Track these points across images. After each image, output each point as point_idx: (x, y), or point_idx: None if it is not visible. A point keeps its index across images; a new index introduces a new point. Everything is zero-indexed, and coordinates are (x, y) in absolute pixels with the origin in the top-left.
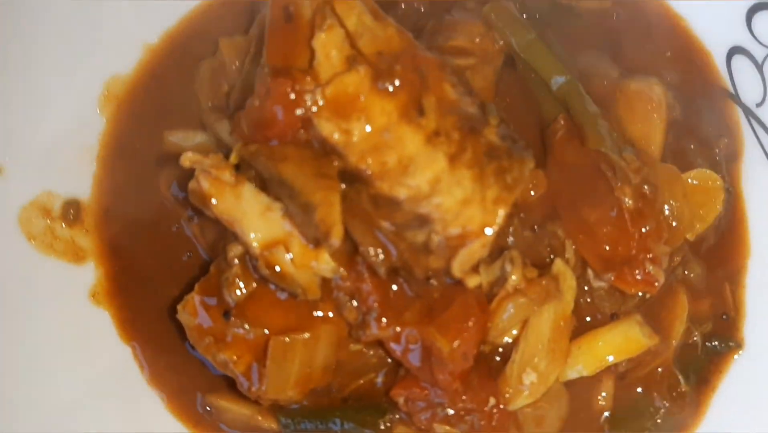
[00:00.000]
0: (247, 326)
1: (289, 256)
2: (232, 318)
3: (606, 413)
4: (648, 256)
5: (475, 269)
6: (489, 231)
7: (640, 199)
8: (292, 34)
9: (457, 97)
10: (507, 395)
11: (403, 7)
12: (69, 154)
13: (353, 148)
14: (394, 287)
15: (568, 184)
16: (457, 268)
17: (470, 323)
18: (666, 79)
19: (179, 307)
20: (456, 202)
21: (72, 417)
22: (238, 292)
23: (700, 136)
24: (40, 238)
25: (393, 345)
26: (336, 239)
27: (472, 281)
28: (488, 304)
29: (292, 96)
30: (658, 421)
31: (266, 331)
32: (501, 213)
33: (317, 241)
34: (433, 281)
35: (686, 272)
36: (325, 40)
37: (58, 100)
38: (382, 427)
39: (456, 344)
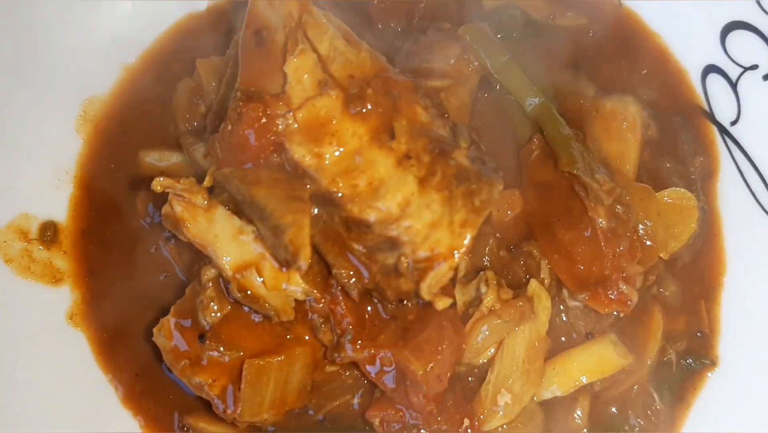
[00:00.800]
0: (222, 349)
1: (260, 279)
2: (207, 341)
3: (583, 432)
4: (622, 275)
5: (445, 291)
6: (456, 254)
7: (613, 219)
8: (264, 58)
9: (428, 119)
10: (481, 416)
11: (380, 26)
12: (46, 175)
13: (325, 171)
14: (369, 309)
15: (543, 204)
16: (426, 290)
17: (444, 346)
18: (642, 97)
19: (155, 330)
20: (425, 225)
21: None
22: (212, 315)
23: (676, 155)
24: (17, 260)
25: (368, 367)
26: (304, 261)
27: (440, 303)
28: (463, 325)
29: (264, 120)
30: None
31: (241, 353)
32: (468, 236)
33: (287, 263)
34: (407, 303)
35: (661, 290)
36: (297, 65)
37: (35, 121)
38: None
39: (430, 366)
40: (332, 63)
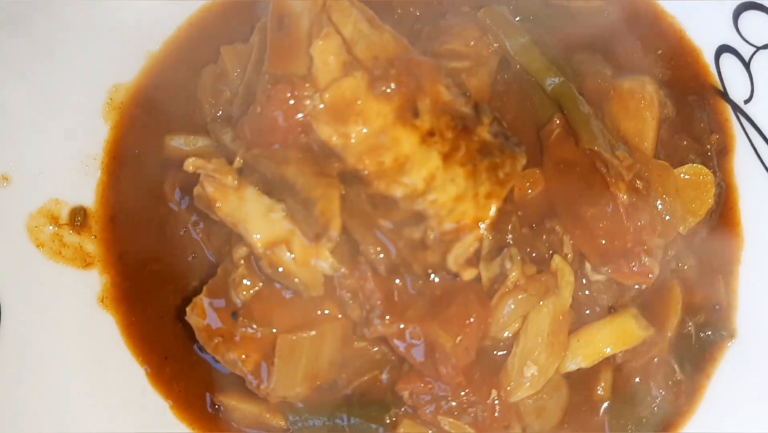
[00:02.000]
0: (254, 326)
1: (290, 255)
2: (240, 318)
3: (605, 403)
4: (643, 248)
5: (471, 263)
6: (482, 225)
7: (633, 194)
8: (290, 42)
9: (450, 98)
10: (508, 388)
11: (399, 11)
12: (75, 162)
13: (351, 150)
14: (397, 284)
15: (565, 182)
16: (453, 262)
17: (472, 319)
18: (658, 76)
19: (188, 309)
20: (450, 199)
21: (79, 420)
22: (244, 292)
23: (692, 133)
24: (48, 245)
25: (396, 341)
26: (334, 231)
27: (467, 274)
28: (489, 300)
29: (292, 102)
30: (655, 409)
31: (273, 330)
32: (493, 207)
33: (317, 235)
34: (435, 277)
35: (680, 265)
36: (323, 48)
37: (63, 109)
38: (388, 421)
39: (458, 339)
40: (356, 45)
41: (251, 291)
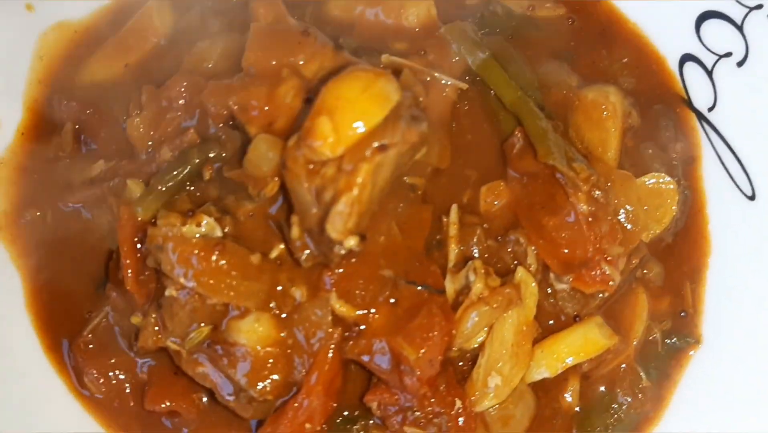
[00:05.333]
0: None
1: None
2: None
3: (573, 411)
4: (604, 257)
5: (354, 229)
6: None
7: (593, 204)
8: None
9: None
10: (473, 398)
11: None
12: None
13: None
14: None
15: (528, 193)
16: (331, 228)
17: (435, 332)
18: (623, 85)
19: None
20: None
21: None
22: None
23: (658, 141)
24: None
25: (363, 357)
26: None
27: (348, 242)
28: (454, 312)
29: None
30: (622, 415)
31: None
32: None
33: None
34: (338, 251)
35: (645, 272)
36: None
37: None
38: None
39: (422, 352)
40: None
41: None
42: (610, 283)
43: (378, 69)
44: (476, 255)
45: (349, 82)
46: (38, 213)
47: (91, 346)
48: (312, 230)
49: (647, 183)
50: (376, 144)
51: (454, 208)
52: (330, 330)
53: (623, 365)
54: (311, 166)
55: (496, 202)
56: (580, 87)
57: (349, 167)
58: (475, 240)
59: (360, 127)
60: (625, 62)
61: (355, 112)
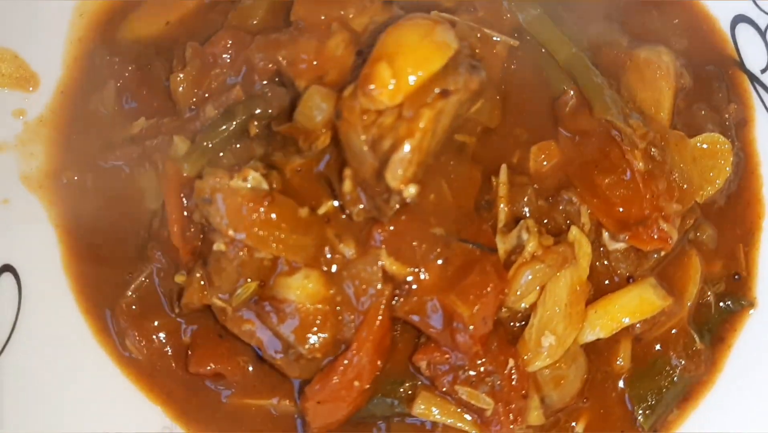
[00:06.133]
0: None
1: None
2: None
3: (624, 374)
4: (661, 214)
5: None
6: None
7: (649, 161)
8: None
9: None
10: (525, 357)
11: None
12: None
13: None
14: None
15: (580, 152)
16: (391, 177)
17: (489, 289)
18: (674, 46)
19: None
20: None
21: None
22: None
23: (710, 102)
24: None
25: (413, 315)
26: None
27: (408, 191)
28: (506, 271)
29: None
30: (675, 379)
31: None
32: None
33: None
34: (394, 204)
35: (698, 234)
36: None
37: None
38: (403, 394)
39: (476, 309)
40: None
41: None
42: (669, 240)
43: (436, 17)
44: (527, 215)
45: (408, 29)
46: (75, 177)
47: (134, 307)
48: (366, 183)
49: (701, 143)
50: (437, 90)
51: (503, 168)
52: (380, 287)
53: (676, 328)
54: (365, 117)
55: (546, 162)
56: (632, 47)
57: (409, 114)
58: (525, 200)
59: (420, 73)
60: (676, 23)
61: (416, 58)
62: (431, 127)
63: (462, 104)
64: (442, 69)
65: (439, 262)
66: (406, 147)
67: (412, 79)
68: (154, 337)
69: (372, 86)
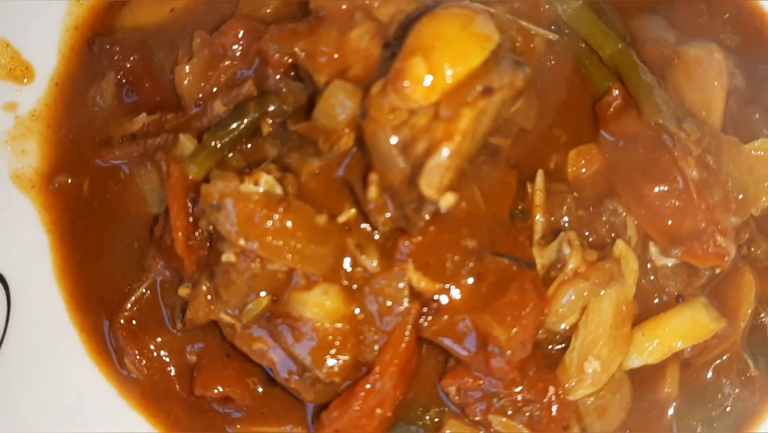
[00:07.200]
0: None
1: None
2: None
3: (672, 402)
4: (717, 228)
5: (449, 186)
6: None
7: (704, 170)
8: None
9: None
10: (567, 385)
11: None
12: None
13: None
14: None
15: (625, 158)
16: (426, 185)
17: (528, 309)
18: (725, 43)
19: None
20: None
21: None
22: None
23: (764, 105)
24: None
25: (442, 336)
26: None
27: (445, 201)
28: (545, 289)
29: None
30: (728, 408)
31: None
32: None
33: None
34: (426, 215)
35: (752, 250)
36: None
37: None
38: (428, 421)
39: (514, 331)
40: None
41: None
42: (726, 257)
43: (474, 7)
44: (566, 226)
45: (445, 20)
46: (69, 180)
47: (133, 322)
48: (394, 189)
49: (756, 150)
50: (480, 87)
51: (540, 173)
52: (407, 305)
53: (728, 353)
54: (392, 117)
55: (585, 169)
56: (679, 44)
57: (447, 114)
58: (564, 210)
59: (459, 68)
60: (726, 18)
61: (455, 52)
62: (472, 129)
63: (504, 104)
64: (483, 64)
65: (472, 278)
66: (445, 151)
67: (450, 75)
68: (156, 355)
69: (406, 82)
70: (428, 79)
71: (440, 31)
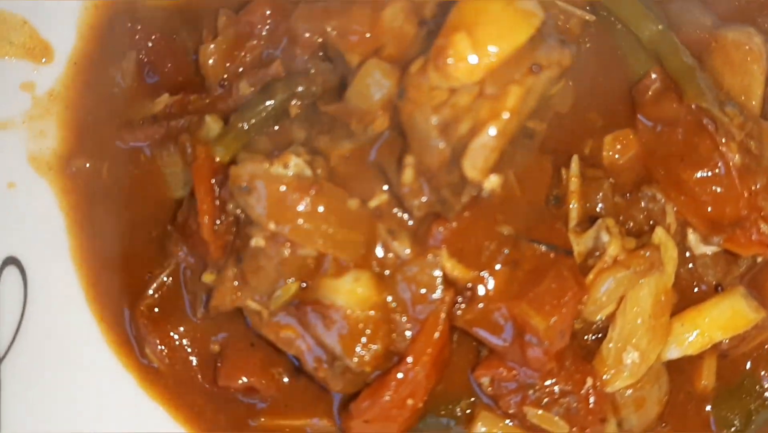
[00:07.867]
0: None
1: None
2: None
3: (709, 394)
4: (760, 214)
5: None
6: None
7: (746, 155)
8: None
9: None
10: (605, 376)
11: None
12: None
13: None
14: None
15: (664, 143)
16: (470, 166)
17: (566, 298)
18: (762, 27)
19: None
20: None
21: None
22: None
23: None
24: None
25: (477, 325)
26: None
27: (489, 183)
28: (584, 278)
29: None
30: (766, 401)
31: None
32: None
33: None
34: (466, 197)
35: None
36: None
37: None
38: (459, 414)
39: (552, 320)
40: None
41: None
42: None
43: None
44: (602, 213)
45: None
46: (87, 164)
47: (155, 310)
48: (431, 172)
49: None
50: (529, 64)
51: (575, 159)
52: (441, 293)
53: (767, 344)
54: (431, 97)
55: (621, 154)
56: (716, 27)
57: (493, 91)
58: (600, 196)
59: (505, 45)
60: (764, 1)
61: (500, 28)
62: (519, 107)
63: (551, 82)
64: (528, 42)
65: (508, 265)
66: (491, 130)
67: (495, 53)
68: (178, 344)
69: (450, 60)
70: (472, 57)
71: (484, 6)
